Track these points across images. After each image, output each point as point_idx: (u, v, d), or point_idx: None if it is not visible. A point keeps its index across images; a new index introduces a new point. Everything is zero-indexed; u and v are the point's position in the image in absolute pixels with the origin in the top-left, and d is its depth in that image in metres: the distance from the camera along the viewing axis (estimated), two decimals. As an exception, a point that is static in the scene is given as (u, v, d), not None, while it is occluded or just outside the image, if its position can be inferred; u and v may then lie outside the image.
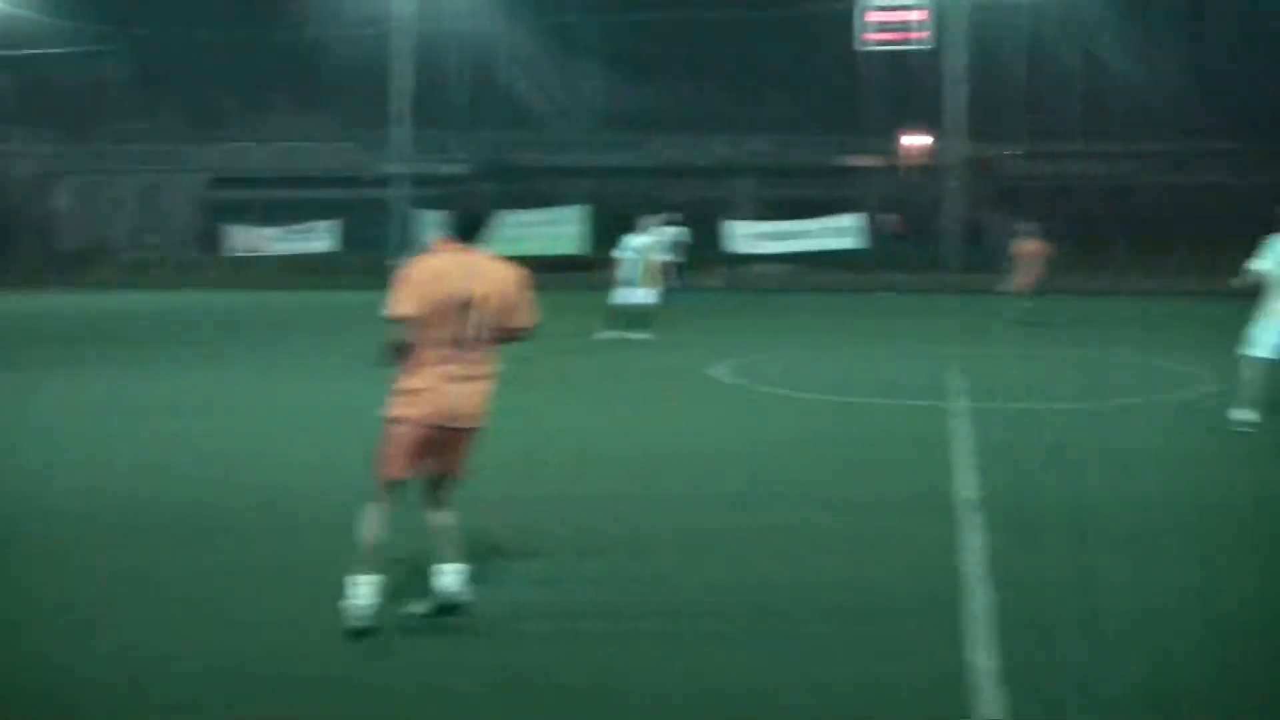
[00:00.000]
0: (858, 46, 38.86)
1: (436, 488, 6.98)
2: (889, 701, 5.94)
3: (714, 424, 13.76)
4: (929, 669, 6.26)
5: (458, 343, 6.72)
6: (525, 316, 6.91)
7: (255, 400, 15.72)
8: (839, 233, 38.78)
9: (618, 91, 48.94)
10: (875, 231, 37.64)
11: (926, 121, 47.00)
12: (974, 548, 8.31)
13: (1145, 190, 49.74)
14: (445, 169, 45.67)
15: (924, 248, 40.13)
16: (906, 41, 38.10)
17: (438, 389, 6.71)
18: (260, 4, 50.28)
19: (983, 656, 6.33)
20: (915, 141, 52.58)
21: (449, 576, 6.87)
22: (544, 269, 39.13)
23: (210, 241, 47.20)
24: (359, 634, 6.58)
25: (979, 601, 7.17)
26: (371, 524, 6.75)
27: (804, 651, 6.54)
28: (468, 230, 6.93)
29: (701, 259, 36.85)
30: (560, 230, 40.56)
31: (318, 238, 43.07)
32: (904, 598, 7.40)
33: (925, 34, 37.65)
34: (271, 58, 49.28)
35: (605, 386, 17.09)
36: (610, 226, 37.07)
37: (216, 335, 24.83)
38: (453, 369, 6.72)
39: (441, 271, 6.78)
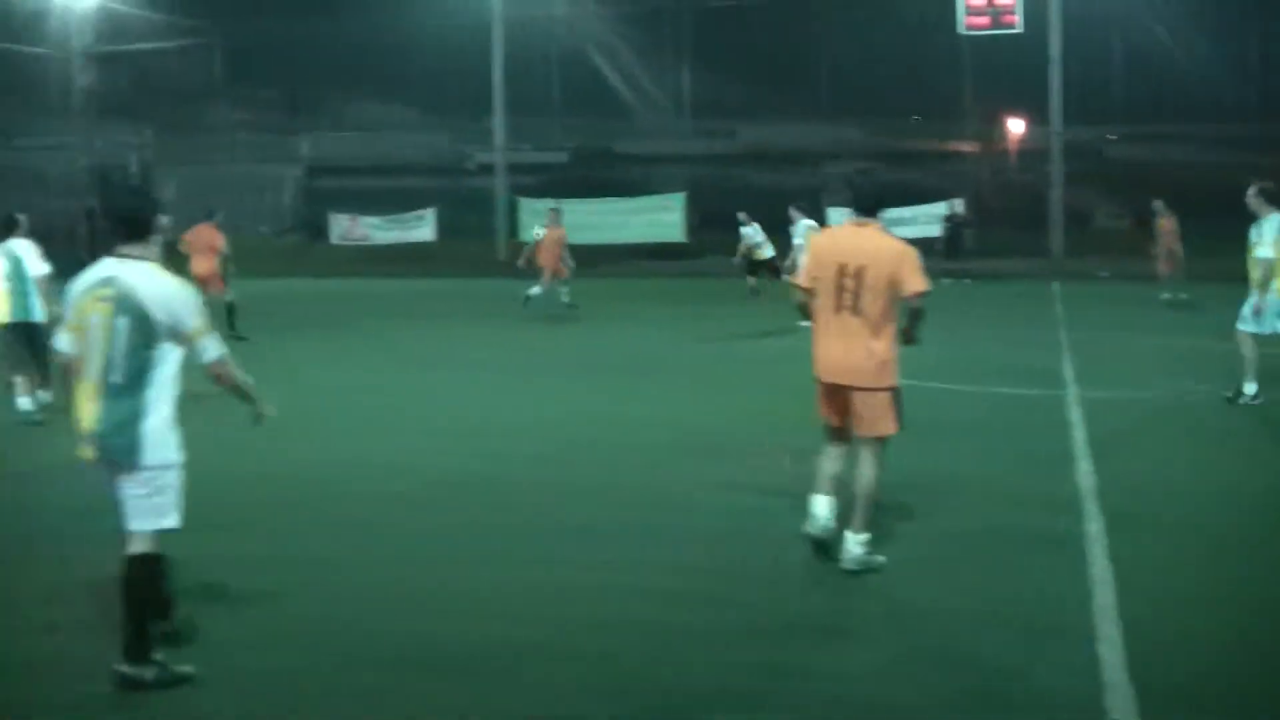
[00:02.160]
0: (960, 30, 38.33)
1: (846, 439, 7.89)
2: (1024, 694, 5.87)
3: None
4: (1061, 663, 6.18)
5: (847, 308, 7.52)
6: (917, 284, 7.50)
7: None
8: (934, 220, 38.49)
9: (712, 78, 48.68)
10: (950, 219, 37.01)
11: (1024, 106, 46.40)
12: (1096, 538, 8.21)
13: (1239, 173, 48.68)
14: (543, 157, 45.83)
15: (1028, 233, 39.55)
16: (998, 26, 37.54)
17: (826, 348, 7.66)
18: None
19: (1110, 651, 6.26)
20: (1014, 126, 51.93)
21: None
22: (646, 256, 39.06)
23: (315, 229, 47.81)
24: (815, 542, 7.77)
25: (1106, 596, 7.09)
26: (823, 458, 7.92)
27: (924, 641, 6.48)
28: (865, 206, 7.76)
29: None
30: (660, 217, 40.62)
31: (419, 226, 43.38)
32: (1034, 586, 7.32)
33: (1015, 18, 37.08)
34: (367, 48, 49.82)
35: (725, 374, 16.93)
36: (706, 214, 37.16)
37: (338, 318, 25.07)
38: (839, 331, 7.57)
39: (834, 244, 7.76)
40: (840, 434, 7.85)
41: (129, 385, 5.91)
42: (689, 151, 47.71)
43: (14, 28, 45.40)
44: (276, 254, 43.91)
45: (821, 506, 7.74)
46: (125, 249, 6.10)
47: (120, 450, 5.92)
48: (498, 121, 43.56)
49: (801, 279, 7.88)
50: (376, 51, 49.92)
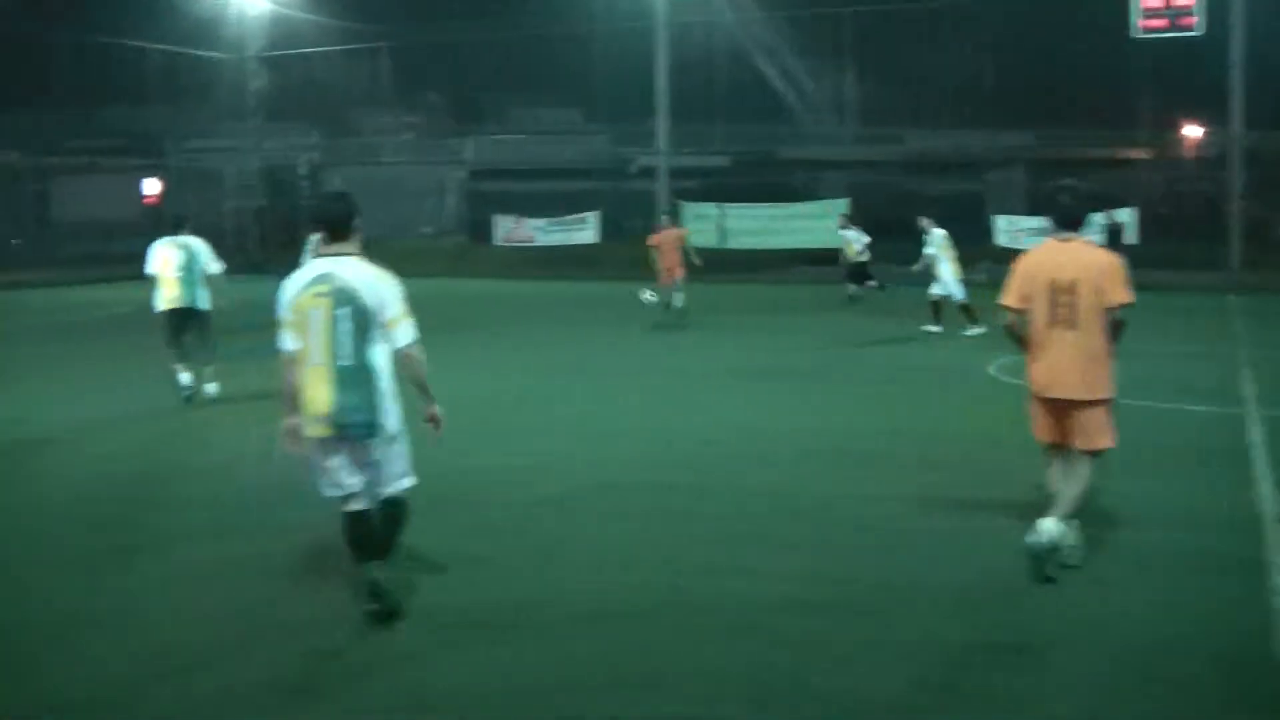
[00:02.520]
0: (1135, 34, 37.32)
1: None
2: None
3: (996, 425, 13.30)
4: (1244, 695, 6.09)
5: (1061, 323, 7.76)
6: (1120, 295, 7.72)
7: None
8: (1099, 228, 37.51)
9: (877, 83, 48.21)
10: (1108, 228, 35.97)
11: (1202, 111, 45.10)
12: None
13: None
14: (706, 161, 45.82)
15: (1204, 244, 38.42)
16: (1175, 28, 36.40)
17: (1043, 364, 7.91)
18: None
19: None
20: (1189, 132, 50.56)
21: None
22: (807, 262, 38.79)
23: (478, 231, 48.51)
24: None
25: (1292, 623, 6.89)
26: (1050, 476, 8.21)
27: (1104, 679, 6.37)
28: (1069, 221, 8.01)
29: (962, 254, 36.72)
30: (823, 224, 40.36)
31: (582, 229, 43.69)
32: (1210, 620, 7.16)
33: (1194, 20, 35.95)
34: (531, 51, 50.37)
35: (885, 383, 17.02)
36: (869, 221, 37.08)
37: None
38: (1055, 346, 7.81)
39: (1043, 261, 7.93)
40: (1059, 448, 8.09)
41: (356, 367, 6.78)
42: (852, 158, 47.30)
43: (190, 33, 47.17)
44: (439, 255, 44.87)
45: (1050, 524, 7.73)
46: (333, 248, 7.04)
47: (360, 425, 6.83)
48: (660, 125, 43.74)
49: (1009, 299, 8.03)
50: (540, 55, 50.38)
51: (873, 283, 28.33)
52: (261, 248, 46.18)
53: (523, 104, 55.35)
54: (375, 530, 7.02)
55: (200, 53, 48.65)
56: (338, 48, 49.79)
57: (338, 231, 7.07)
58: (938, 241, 22.78)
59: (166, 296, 14.92)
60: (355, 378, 6.76)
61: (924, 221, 23.23)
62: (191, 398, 14.84)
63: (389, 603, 6.90)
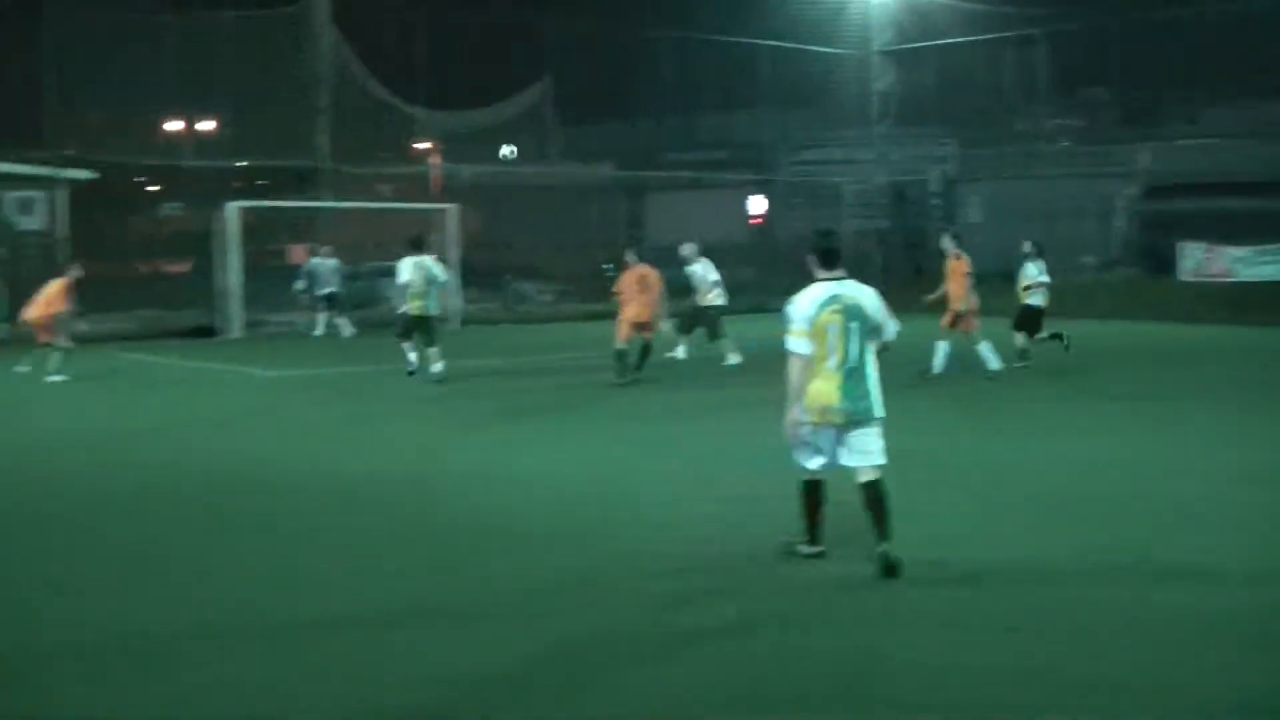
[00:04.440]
0: None
1: None
2: None
3: None
4: None
5: None
6: None
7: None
8: None
9: None
10: None
11: None
12: None
13: None
14: None
15: None
16: None
17: None
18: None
19: None
20: None
21: None
22: None
23: (1156, 262, 44.05)
24: None
25: None
26: None
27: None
28: None
29: None
30: None
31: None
32: None
33: None
34: (1231, 31, 44.19)
35: None
36: None
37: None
38: None
39: None
40: None
41: (860, 368, 9.23)
42: None
43: (804, 26, 46.47)
44: (1105, 291, 40.20)
45: None
46: (832, 272, 9.38)
47: (864, 412, 9.25)
48: None
49: None
50: (1245, 35, 44.35)
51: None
52: (883, 278, 42.22)
53: (1216, 100, 48.70)
54: (877, 501, 9.14)
55: (816, 48, 47.26)
56: (980, 37, 46.65)
57: (833, 259, 9.32)
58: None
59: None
60: (859, 376, 9.14)
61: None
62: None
63: (896, 565, 8.97)
